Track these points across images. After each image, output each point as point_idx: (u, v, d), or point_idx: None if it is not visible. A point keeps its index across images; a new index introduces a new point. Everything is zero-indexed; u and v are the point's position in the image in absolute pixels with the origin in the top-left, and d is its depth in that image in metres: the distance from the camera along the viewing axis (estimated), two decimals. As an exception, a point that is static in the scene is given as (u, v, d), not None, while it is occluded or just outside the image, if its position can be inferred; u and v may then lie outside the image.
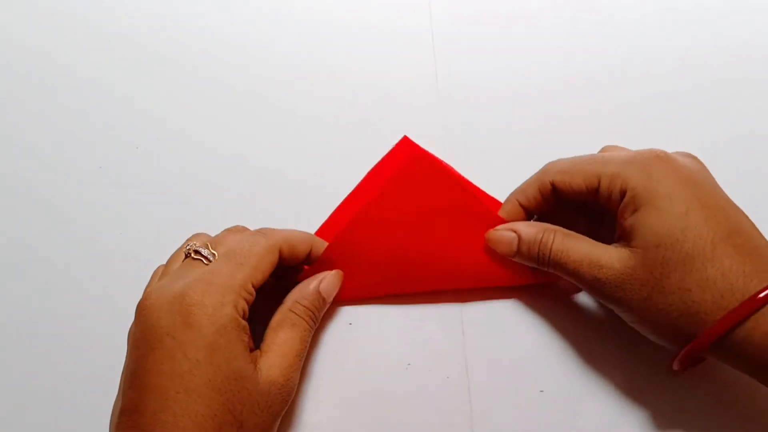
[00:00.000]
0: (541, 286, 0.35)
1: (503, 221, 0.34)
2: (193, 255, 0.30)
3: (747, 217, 0.29)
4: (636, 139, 0.38)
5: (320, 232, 0.36)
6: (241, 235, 0.31)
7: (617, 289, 0.29)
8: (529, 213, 0.34)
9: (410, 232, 0.34)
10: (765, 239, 0.28)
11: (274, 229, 0.32)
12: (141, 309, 0.28)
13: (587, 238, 0.31)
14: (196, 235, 0.33)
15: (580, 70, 0.41)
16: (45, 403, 0.34)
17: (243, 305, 0.29)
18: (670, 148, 0.36)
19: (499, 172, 0.38)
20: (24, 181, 0.40)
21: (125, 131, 0.41)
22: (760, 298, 0.25)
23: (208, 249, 0.30)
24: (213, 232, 0.37)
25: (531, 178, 0.34)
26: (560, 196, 0.32)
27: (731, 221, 0.28)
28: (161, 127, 0.41)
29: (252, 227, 0.37)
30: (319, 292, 0.32)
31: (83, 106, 0.42)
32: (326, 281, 0.33)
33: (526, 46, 0.42)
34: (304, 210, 0.37)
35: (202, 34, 0.43)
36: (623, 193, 0.29)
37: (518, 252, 0.33)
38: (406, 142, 0.38)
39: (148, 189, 0.39)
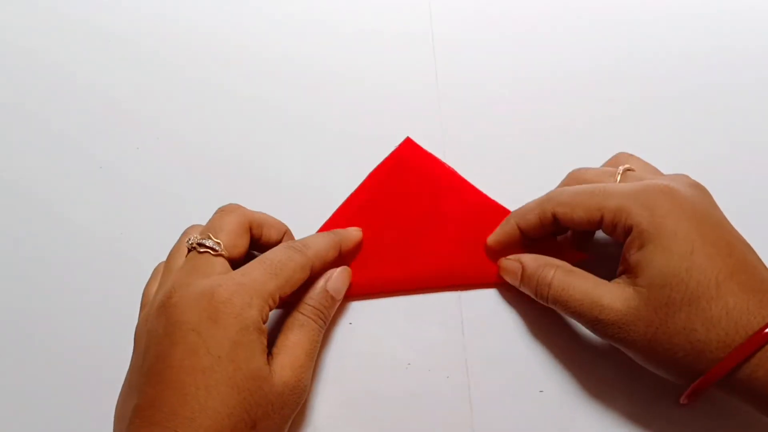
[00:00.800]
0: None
1: (498, 207, 0.36)
2: (198, 249, 0.30)
3: (752, 250, 0.29)
4: (636, 141, 0.38)
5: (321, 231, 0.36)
6: (277, 249, 0.31)
7: (620, 330, 0.29)
8: (527, 236, 0.34)
9: (400, 221, 0.36)
10: None
11: (306, 243, 0.32)
12: (166, 306, 0.28)
13: (589, 276, 0.31)
14: (190, 228, 0.33)
15: (580, 71, 0.41)
16: (42, 403, 0.34)
17: (267, 311, 0.29)
18: (670, 151, 0.36)
19: (499, 174, 0.38)
20: (24, 181, 0.40)
21: (125, 132, 0.41)
22: (764, 334, 0.25)
23: (211, 239, 0.30)
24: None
25: (533, 202, 0.33)
26: (562, 225, 0.32)
27: (735, 257, 0.28)
28: (162, 128, 0.41)
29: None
30: (326, 291, 0.32)
31: (84, 107, 0.42)
32: (333, 279, 0.32)
33: (526, 48, 0.42)
34: (304, 211, 0.37)
35: (203, 35, 0.43)
36: (628, 229, 0.29)
37: (521, 283, 0.33)
38: (408, 143, 0.38)
39: (148, 190, 0.39)
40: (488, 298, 0.35)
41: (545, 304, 0.32)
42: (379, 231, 0.36)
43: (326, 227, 0.36)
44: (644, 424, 0.33)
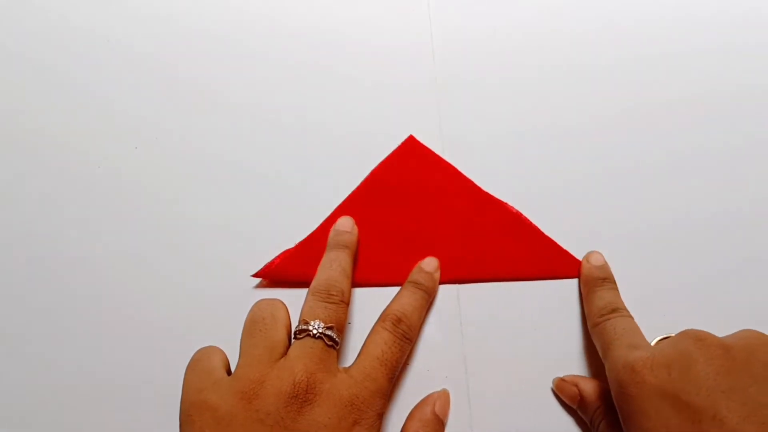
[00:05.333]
0: (541, 286, 0.35)
1: (500, 204, 0.36)
2: (326, 342, 0.29)
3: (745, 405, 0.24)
4: (636, 141, 0.38)
5: (321, 229, 0.36)
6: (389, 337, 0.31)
7: None
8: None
9: (402, 217, 0.36)
10: None
11: (411, 324, 0.32)
12: (300, 399, 0.27)
13: None
14: (307, 307, 0.31)
15: (579, 71, 0.41)
16: (40, 403, 0.34)
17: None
18: (671, 153, 0.36)
19: (497, 174, 0.38)
20: (22, 180, 0.40)
21: (124, 131, 0.41)
22: None
23: (334, 331, 0.30)
24: (213, 233, 0.37)
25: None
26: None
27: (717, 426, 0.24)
28: (161, 128, 0.41)
29: (251, 230, 0.37)
30: (436, 416, 0.32)
31: (82, 107, 0.41)
32: (440, 403, 0.33)
33: (525, 47, 0.42)
34: (304, 211, 0.37)
35: (202, 36, 0.43)
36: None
37: (580, 408, 0.32)
38: (411, 141, 0.38)
39: (146, 189, 0.39)
40: (487, 298, 0.35)
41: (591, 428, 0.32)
42: (381, 226, 0.36)
43: (328, 222, 0.36)
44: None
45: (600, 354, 0.31)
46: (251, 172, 0.39)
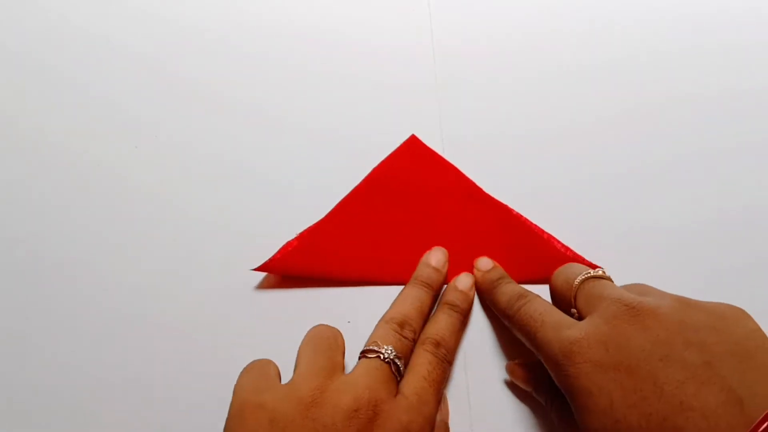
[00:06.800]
0: (541, 286, 0.35)
1: (500, 205, 0.36)
2: (392, 369, 0.29)
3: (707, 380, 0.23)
4: (636, 141, 0.38)
5: (323, 223, 0.37)
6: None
7: None
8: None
9: (402, 216, 0.36)
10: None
11: (449, 347, 0.32)
12: (362, 420, 0.26)
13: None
14: (382, 332, 0.30)
15: (579, 71, 0.41)
16: (40, 403, 0.34)
17: None
18: (671, 152, 0.36)
19: (498, 174, 0.38)
20: (22, 179, 0.40)
21: (124, 131, 0.41)
22: None
23: (400, 360, 0.29)
24: (214, 232, 0.37)
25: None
26: None
27: (667, 401, 0.23)
28: (161, 127, 0.41)
29: (251, 230, 0.37)
30: (445, 423, 0.32)
31: (82, 106, 0.41)
32: (444, 410, 0.32)
33: (526, 47, 0.42)
34: (305, 211, 0.37)
35: (202, 36, 0.43)
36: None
37: (534, 390, 0.32)
38: (413, 140, 0.38)
39: (146, 188, 0.39)
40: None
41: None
42: (381, 225, 0.36)
43: (328, 220, 0.37)
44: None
45: (527, 344, 0.30)
46: (252, 171, 0.39)
